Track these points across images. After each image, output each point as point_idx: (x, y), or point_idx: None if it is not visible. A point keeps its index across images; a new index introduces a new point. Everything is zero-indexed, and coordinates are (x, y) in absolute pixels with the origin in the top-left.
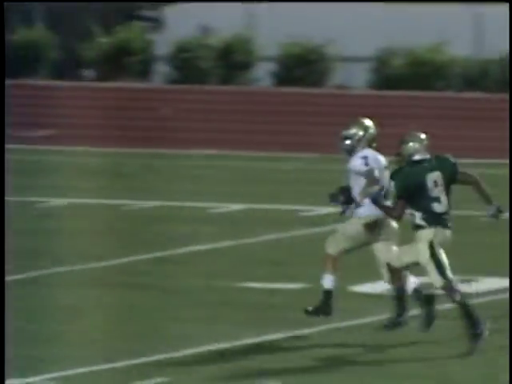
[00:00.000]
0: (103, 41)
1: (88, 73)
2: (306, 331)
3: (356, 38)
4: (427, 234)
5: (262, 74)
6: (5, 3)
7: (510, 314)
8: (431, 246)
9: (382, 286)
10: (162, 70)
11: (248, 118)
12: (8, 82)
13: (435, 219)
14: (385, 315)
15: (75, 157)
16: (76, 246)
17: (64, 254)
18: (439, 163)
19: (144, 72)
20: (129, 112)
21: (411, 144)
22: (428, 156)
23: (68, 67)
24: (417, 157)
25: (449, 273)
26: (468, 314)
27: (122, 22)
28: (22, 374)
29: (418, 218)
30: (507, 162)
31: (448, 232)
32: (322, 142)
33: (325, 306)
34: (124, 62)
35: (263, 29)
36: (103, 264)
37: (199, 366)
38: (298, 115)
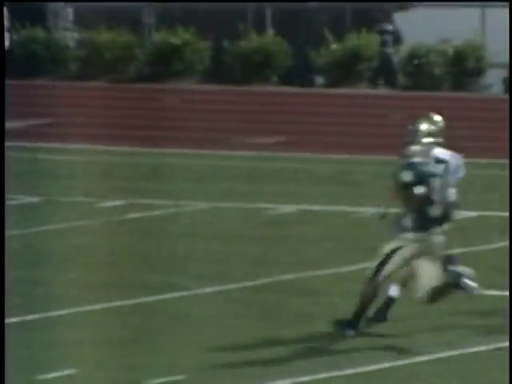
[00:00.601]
0: (335, 47)
1: (319, 79)
2: None
3: None
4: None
5: (494, 80)
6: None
7: (510, 313)
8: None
9: None
10: (397, 77)
11: (479, 124)
12: (237, 88)
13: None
14: None
15: (303, 163)
16: (304, 253)
17: (292, 261)
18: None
19: (377, 79)
20: (359, 119)
21: None
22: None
23: (300, 73)
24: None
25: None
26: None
27: (355, 29)
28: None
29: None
30: None
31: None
32: None
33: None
34: (356, 68)
35: (497, 35)
36: (331, 271)
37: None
38: None
